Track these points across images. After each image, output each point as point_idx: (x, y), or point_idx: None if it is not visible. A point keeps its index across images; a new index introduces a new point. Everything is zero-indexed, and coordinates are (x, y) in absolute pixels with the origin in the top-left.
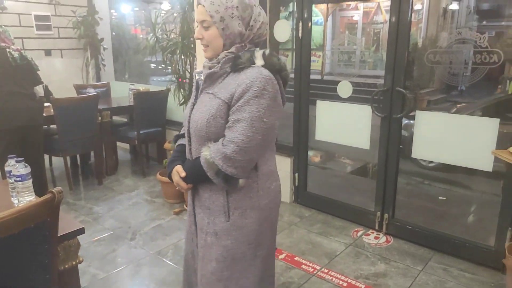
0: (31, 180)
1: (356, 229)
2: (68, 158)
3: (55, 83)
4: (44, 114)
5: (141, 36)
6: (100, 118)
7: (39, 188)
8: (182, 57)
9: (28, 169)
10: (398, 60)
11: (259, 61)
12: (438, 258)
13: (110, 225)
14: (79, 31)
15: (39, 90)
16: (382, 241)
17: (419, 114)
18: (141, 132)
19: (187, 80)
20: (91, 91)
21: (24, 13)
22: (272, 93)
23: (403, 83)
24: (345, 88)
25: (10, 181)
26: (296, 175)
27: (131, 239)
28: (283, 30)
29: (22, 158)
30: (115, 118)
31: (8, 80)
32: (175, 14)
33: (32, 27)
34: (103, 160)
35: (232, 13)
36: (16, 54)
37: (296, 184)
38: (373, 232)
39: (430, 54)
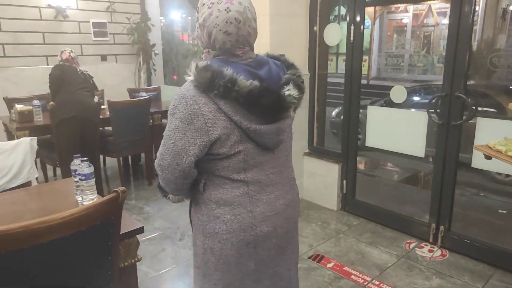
0: (94, 179)
1: (409, 241)
2: (120, 159)
3: (110, 87)
4: (100, 117)
5: (187, 41)
6: (151, 121)
7: None
8: None
9: (92, 169)
10: (458, 64)
11: (190, 75)
12: (500, 276)
13: (160, 225)
14: (133, 37)
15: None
16: (437, 255)
17: (480, 121)
18: None
19: None
20: (143, 95)
21: (83, 20)
22: (184, 114)
23: (463, 88)
24: (398, 93)
25: (75, 179)
26: (344, 182)
27: (180, 239)
28: (334, 34)
29: (87, 158)
30: (164, 121)
31: (77, 83)
32: None
33: (90, 33)
34: (154, 161)
35: (196, 14)
36: (85, 72)
37: (344, 191)
38: (427, 245)
39: (494, 58)
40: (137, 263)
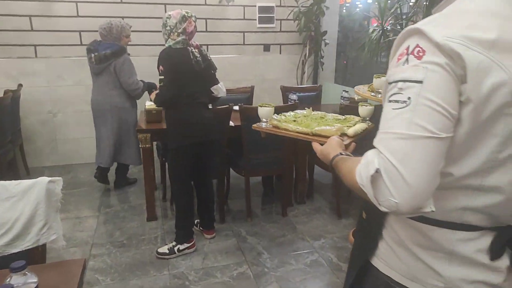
0: None
1: None
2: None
3: (269, 83)
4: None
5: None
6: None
7: (205, 212)
8: None
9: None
10: None
11: None
12: None
13: None
14: (300, 23)
15: (220, 88)
16: None
17: None
18: None
19: None
20: (293, 98)
21: (249, 4)
22: None
23: None
24: None
25: None
26: None
27: None
28: None
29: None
30: None
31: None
32: None
33: (255, 19)
34: (293, 184)
35: None
36: (198, 56)
37: None
38: None
39: None
40: None
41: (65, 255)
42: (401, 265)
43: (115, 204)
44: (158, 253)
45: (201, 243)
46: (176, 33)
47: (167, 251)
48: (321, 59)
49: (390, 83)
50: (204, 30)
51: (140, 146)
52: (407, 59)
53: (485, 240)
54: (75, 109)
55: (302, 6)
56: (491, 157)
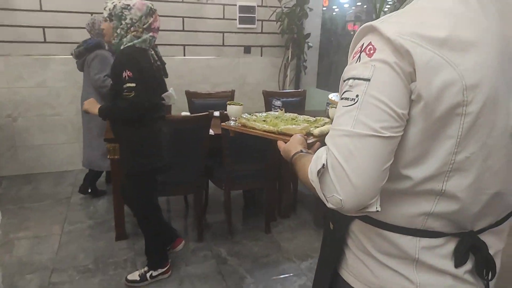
0: None
1: None
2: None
3: (249, 86)
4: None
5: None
6: None
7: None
8: None
9: None
10: None
11: None
12: None
13: None
14: (282, 24)
15: (172, 95)
16: None
17: None
18: None
19: None
20: (277, 104)
21: (229, 3)
22: None
23: None
24: None
25: None
26: None
27: None
28: None
29: None
30: None
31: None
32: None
33: (235, 19)
34: (276, 197)
35: None
36: (156, 58)
37: None
38: None
39: None
40: None
41: (20, 283)
42: (370, 277)
43: (81, 219)
44: (127, 280)
45: (176, 267)
46: (140, 29)
47: (138, 278)
48: (304, 63)
49: (344, 81)
50: (181, 29)
51: (108, 157)
52: (359, 57)
53: (450, 247)
54: (37, 113)
55: (285, 7)
56: (448, 160)
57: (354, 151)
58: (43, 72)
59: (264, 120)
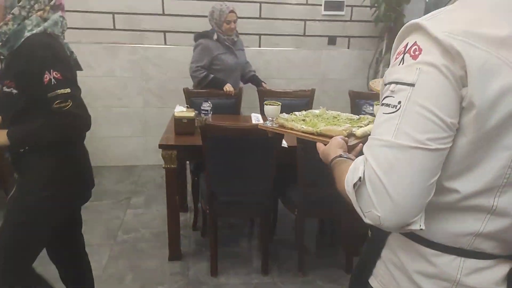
0: None
1: None
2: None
3: (331, 83)
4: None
5: None
6: None
7: None
8: None
9: None
10: None
11: None
12: None
13: None
14: (378, 11)
15: None
16: None
17: None
18: None
19: None
20: (369, 111)
21: None
22: None
23: None
24: None
25: None
26: None
27: None
28: None
29: None
30: None
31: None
32: None
33: (320, 5)
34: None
35: None
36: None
37: None
38: None
39: None
40: None
41: None
42: None
43: (136, 227)
44: None
45: None
46: (48, 7)
47: None
48: None
49: (385, 85)
50: (258, 16)
51: (163, 166)
52: (403, 58)
53: (499, 270)
54: (104, 104)
55: None
56: (502, 173)
57: (395, 164)
58: (111, 61)
59: (303, 120)
